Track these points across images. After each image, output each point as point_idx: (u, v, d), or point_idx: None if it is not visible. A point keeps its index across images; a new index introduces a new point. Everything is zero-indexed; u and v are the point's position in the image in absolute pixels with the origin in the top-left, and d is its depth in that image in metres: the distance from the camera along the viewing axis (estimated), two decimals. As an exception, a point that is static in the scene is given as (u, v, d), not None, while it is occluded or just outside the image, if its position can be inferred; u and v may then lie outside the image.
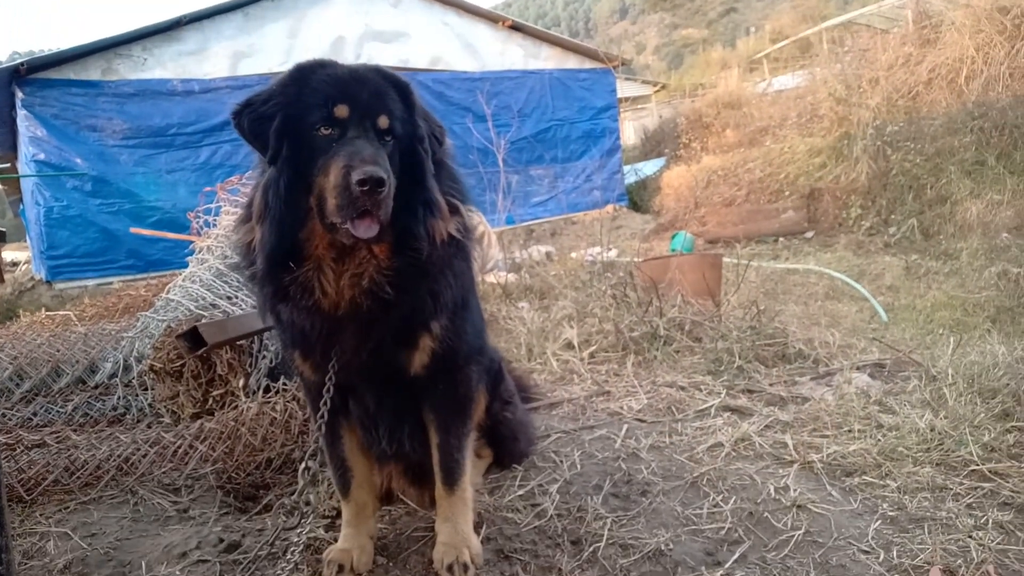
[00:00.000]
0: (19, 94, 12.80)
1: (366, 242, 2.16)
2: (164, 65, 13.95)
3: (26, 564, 2.71)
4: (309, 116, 2.17)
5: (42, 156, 12.78)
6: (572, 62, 18.62)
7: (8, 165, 17.76)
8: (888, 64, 14.21)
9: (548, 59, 18.26)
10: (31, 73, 12.83)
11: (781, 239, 12.47)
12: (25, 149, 13.51)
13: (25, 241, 23.24)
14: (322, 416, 2.44)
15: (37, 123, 12.77)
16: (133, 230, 11.11)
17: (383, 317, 2.28)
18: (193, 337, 3.59)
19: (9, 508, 3.07)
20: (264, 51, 14.76)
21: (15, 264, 21.19)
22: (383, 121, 2.21)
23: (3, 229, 30.11)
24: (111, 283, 12.13)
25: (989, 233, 9.74)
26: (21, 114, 12.95)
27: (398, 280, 2.25)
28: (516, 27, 18.07)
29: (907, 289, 7.97)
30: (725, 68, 30.63)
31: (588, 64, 18.73)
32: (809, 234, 12.50)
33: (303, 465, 2.48)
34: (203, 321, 3.76)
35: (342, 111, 2.17)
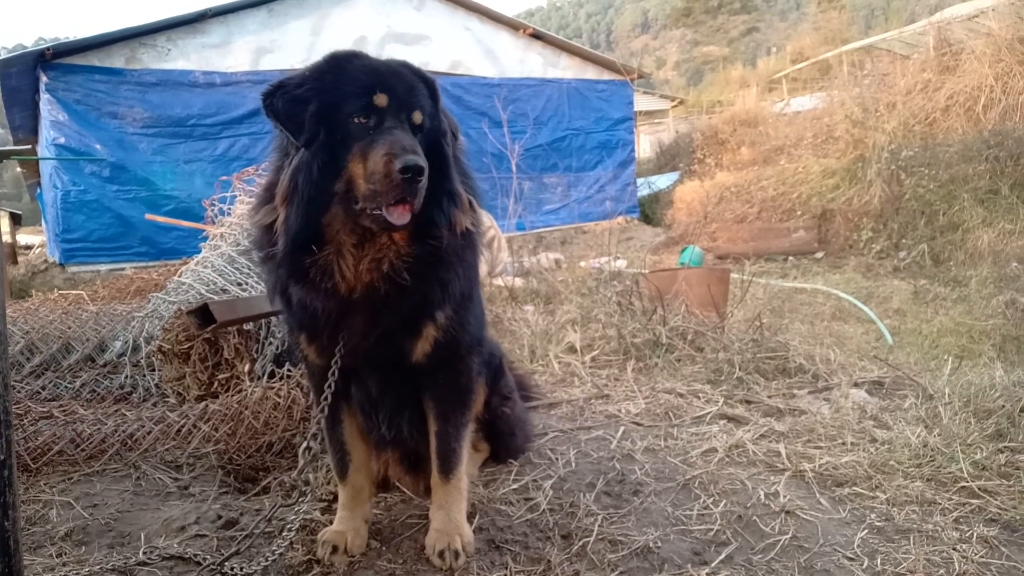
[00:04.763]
0: (43, 78, 12.98)
1: (394, 229, 2.22)
2: (187, 56, 14.11)
3: (29, 530, 2.78)
4: (347, 104, 2.22)
5: (62, 140, 12.95)
6: (591, 73, 18.70)
7: (29, 148, 17.96)
8: (906, 89, 14.22)
9: (567, 68, 18.35)
10: (56, 58, 13.00)
11: (791, 258, 12.47)
12: (46, 133, 13.68)
13: (40, 225, 23.46)
14: (326, 398, 2.48)
15: (59, 108, 12.94)
16: (148, 216, 11.22)
17: (396, 303, 2.33)
18: (203, 314, 3.66)
19: (15, 475, 3.14)
20: (286, 47, 14.90)
21: (29, 247, 21.41)
22: (417, 116, 2.30)
23: (19, 212, 30.46)
24: (123, 269, 12.25)
25: (999, 262, 9.72)
26: (44, 98, 13.12)
27: (416, 267, 2.31)
28: (537, 35, 18.16)
29: (914, 313, 7.96)
30: (744, 86, 30.72)
31: (607, 75, 18.81)
32: (819, 254, 12.50)
33: (304, 444, 2.53)
34: (214, 300, 3.84)
35: (381, 101, 2.23)
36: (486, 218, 7.74)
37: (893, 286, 9.49)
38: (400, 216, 2.16)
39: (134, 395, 4.59)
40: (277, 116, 2.26)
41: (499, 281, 8.39)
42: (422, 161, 2.12)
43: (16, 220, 27.89)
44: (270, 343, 4.26)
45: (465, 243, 2.45)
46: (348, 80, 2.26)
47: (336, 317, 2.35)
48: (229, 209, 5.56)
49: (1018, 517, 2.70)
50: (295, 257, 2.27)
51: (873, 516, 2.75)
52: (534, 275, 9.02)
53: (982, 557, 2.43)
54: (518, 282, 8.44)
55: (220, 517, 2.85)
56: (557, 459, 3.37)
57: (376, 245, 2.28)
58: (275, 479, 3.29)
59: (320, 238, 2.25)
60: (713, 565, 2.43)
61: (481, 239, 2.60)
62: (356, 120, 2.22)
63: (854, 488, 2.99)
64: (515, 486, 3.07)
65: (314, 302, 2.32)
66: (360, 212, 2.19)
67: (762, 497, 2.90)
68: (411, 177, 2.10)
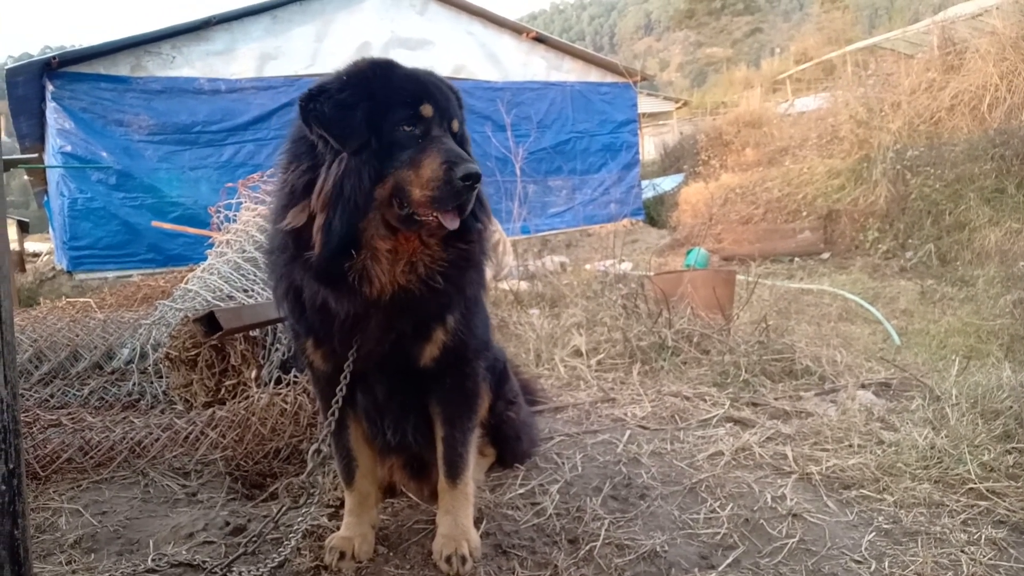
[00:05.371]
0: (49, 87, 13.05)
1: (440, 234, 2.28)
2: (192, 64, 14.18)
3: (38, 537, 2.79)
4: (394, 112, 2.26)
5: (69, 148, 13.02)
6: (594, 75, 18.71)
7: (35, 156, 18.06)
8: (911, 89, 14.17)
9: (570, 71, 18.36)
10: (62, 67, 13.09)
11: (797, 259, 12.44)
12: (52, 141, 13.77)
13: (48, 232, 23.58)
14: (337, 402, 2.49)
15: (66, 116, 13.01)
16: (155, 224, 11.27)
17: (425, 306, 2.37)
18: (209, 322, 3.68)
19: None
20: (290, 54, 14.96)
21: (37, 255, 21.53)
22: (455, 124, 2.38)
23: (27, 220, 30.60)
24: (130, 276, 12.30)
25: (1007, 261, 9.67)
26: (50, 106, 13.20)
27: (448, 271, 2.36)
28: (540, 39, 18.19)
29: (921, 314, 7.92)
30: (748, 87, 30.66)
31: (610, 78, 18.81)
32: (825, 255, 12.46)
33: (314, 447, 2.54)
34: (220, 307, 3.85)
35: (427, 111, 2.29)
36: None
37: (900, 286, 9.45)
38: (452, 221, 2.22)
39: (142, 402, 4.61)
40: (322, 121, 2.25)
41: (504, 285, 8.39)
42: (479, 169, 2.19)
43: (24, 228, 28.04)
44: (276, 349, 4.28)
45: (478, 247, 2.48)
46: (394, 88, 2.30)
47: (353, 322, 2.36)
48: (235, 216, 5.58)
49: (1027, 519, 2.69)
50: (332, 262, 2.25)
51: (881, 519, 2.75)
52: (539, 278, 9.02)
53: (990, 559, 2.42)
54: (523, 285, 8.44)
55: (228, 524, 2.85)
56: (563, 463, 3.37)
57: (409, 249, 2.31)
58: (283, 485, 3.30)
59: (356, 243, 2.26)
60: (720, 569, 2.43)
61: (488, 243, 2.62)
62: (403, 128, 2.26)
63: (861, 490, 2.99)
64: (522, 491, 3.08)
65: (340, 306, 2.32)
66: (406, 217, 2.23)
67: (769, 500, 2.90)
68: (471, 184, 2.18)
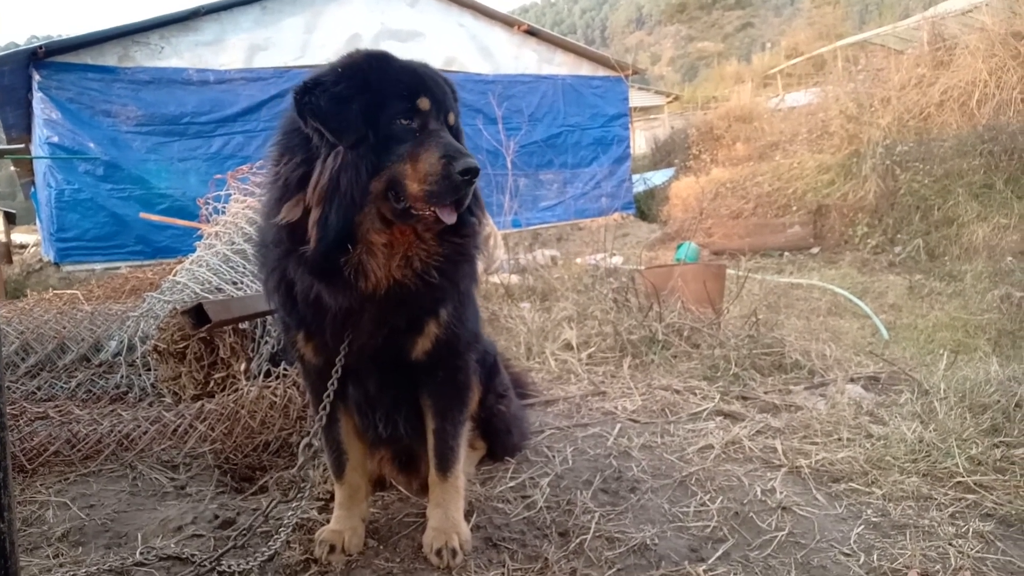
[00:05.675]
0: (36, 77, 12.93)
1: (437, 228, 2.27)
2: (181, 54, 14.08)
3: (25, 531, 2.77)
4: (391, 106, 2.24)
5: (56, 139, 12.91)
6: (586, 69, 18.70)
7: (22, 146, 17.89)
8: (901, 84, 14.25)
9: (562, 65, 18.34)
10: (49, 56, 12.97)
11: (787, 254, 12.48)
12: (39, 131, 13.64)
13: (35, 224, 23.40)
14: (328, 396, 2.48)
15: (52, 106, 12.90)
16: (143, 215, 11.21)
17: (420, 300, 2.36)
18: (198, 314, 3.64)
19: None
20: (280, 45, 14.88)
21: (23, 246, 21.37)
22: (451, 118, 2.36)
23: (13, 211, 30.34)
24: (118, 268, 12.21)
25: (994, 256, 9.75)
26: (37, 96, 13.08)
27: (443, 265, 2.35)
28: (531, 32, 18.16)
29: (910, 308, 7.98)
30: (739, 82, 30.79)
31: (601, 72, 18.81)
32: (815, 250, 12.51)
33: (305, 441, 2.53)
34: (209, 299, 3.83)
35: (424, 104, 2.27)
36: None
37: (888, 281, 9.51)
38: (450, 215, 2.22)
39: (130, 395, 4.59)
40: (317, 115, 2.22)
41: (495, 278, 8.38)
42: (478, 163, 2.18)
43: (10, 219, 27.80)
44: (266, 342, 4.25)
45: (471, 241, 2.48)
46: (391, 81, 2.28)
47: (346, 316, 2.35)
48: (224, 207, 5.54)
49: (1014, 512, 2.71)
50: (328, 256, 2.23)
51: (869, 512, 2.76)
52: (530, 272, 9.02)
53: (978, 552, 2.43)
54: (514, 279, 8.44)
55: (217, 517, 2.84)
56: (554, 456, 3.37)
57: (405, 243, 2.30)
58: (272, 478, 3.29)
59: (352, 237, 2.24)
60: (710, 562, 2.43)
61: (481, 237, 2.61)
62: (400, 122, 2.24)
63: (850, 484, 3.00)
64: (512, 484, 3.08)
65: (334, 301, 2.30)
66: (402, 212, 2.21)
67: (759, 493, 2.90)
68: (469, 179, 2.17)
